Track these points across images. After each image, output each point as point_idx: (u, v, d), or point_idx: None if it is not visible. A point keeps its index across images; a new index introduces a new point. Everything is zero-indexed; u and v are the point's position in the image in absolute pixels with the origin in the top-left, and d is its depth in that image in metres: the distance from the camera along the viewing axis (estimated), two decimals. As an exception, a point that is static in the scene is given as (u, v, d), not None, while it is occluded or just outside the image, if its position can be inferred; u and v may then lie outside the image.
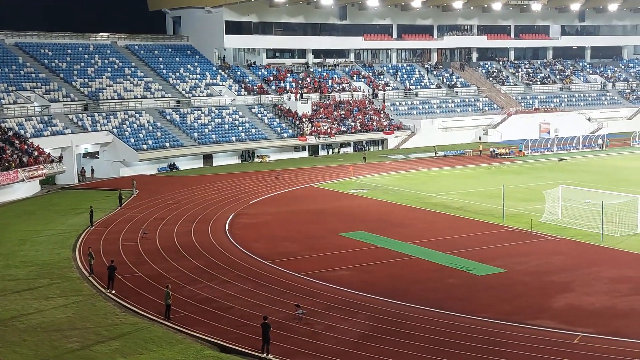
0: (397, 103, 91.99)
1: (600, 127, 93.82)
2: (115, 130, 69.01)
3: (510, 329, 25.41)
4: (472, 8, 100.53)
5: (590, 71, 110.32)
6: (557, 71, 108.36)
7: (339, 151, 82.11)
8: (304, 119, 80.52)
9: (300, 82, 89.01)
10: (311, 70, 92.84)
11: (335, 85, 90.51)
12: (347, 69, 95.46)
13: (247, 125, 77.67)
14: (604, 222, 38.49)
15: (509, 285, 30.57)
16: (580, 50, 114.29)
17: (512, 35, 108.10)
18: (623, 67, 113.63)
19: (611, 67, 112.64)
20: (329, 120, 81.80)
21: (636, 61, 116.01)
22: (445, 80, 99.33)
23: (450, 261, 34.43)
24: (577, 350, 23.35)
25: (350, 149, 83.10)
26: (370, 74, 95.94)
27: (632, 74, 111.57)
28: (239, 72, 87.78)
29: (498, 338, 24.54)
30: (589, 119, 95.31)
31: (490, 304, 28.11)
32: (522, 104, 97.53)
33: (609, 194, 43.94)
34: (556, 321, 25.90)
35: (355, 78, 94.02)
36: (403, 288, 30.53)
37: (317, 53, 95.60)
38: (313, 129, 79.28)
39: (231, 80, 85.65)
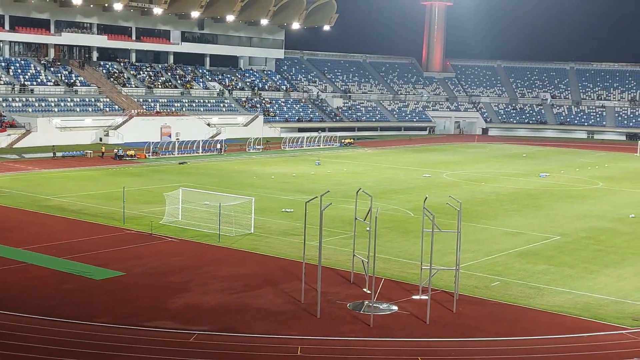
0: (10, 99, 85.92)
1: (219, 132, 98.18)
2: None
3: (128, 332, 24.97)
4: (92, 6, 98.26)
5: (210, 78, 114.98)
6: (178, 76, 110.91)
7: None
8: None
9: None
10: None
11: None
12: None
13: None
14: (221, 223, 40.08)
15: (128, 288, 30.14)
16: (200, 57, 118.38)
17: (134, 37, 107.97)
18: (240, 76, 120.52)
19: (229, 76, 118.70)
20: None
21: (251, 71, 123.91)
22: (63, 78, 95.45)
23: (67, 266, 32.86)
24: (193, 348, 23.77)
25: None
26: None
27: (248, 84, 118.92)
28: None
29: (115, 342, 23.93)
30: (209, 124, 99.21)
31: (109, 308, 27.38)
32: (144, 107, 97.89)
33: (226, 196, 45.97)
34: (174, 321, 26.13)
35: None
36: (13, 297, 28.27)
37: None
38: None
39: None
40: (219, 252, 36.82)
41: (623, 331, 26.50)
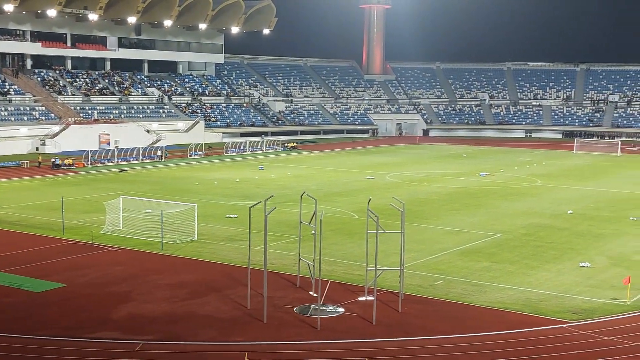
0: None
1: (159, 138, 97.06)
2: None
3: (71, 344, 24.45)
4: (24, 13, 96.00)
5: (149, 84, 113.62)
6: (115, 82, 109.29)
7: None
8: None
9: None
10: None
11: None
12: None
13: None
14: (164, 231, 39.60)
15: (70, 300, 29.51)
16: (138, 63, 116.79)
17: (69, 43, 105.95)
18: (179, 81, 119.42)
19: (168, 82, 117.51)
20: None
21: (191, 77, 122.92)
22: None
23: (6, 280, 32.00)
24: (138, 358, 23.41)
25: None
26: None
27: (188, 89, 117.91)
28: None
29: (59, 355, 23.42)
30: (148, 131, 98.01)
31: (50, 321, 26.76)
32: (81, 115, 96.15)
33: (168, 203, 45.47)
34: (118, 332, 25.69)
35: None
36: (-51, 314, 27.42)
37: None
38: None
39: None
40: (162, 261, 36.36)
41: (564, 325, 27.09)
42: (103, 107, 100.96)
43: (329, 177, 70.22)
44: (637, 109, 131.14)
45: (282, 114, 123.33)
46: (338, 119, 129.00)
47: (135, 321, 26.96)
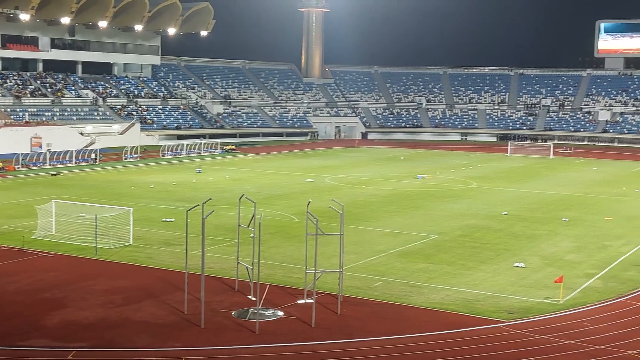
0: None
1: (93, 141, 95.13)
2: None
3: (2, 352, 23.66)
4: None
5: (82, 86, 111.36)
6: (48, 84, 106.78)
7: None
8: None
9: None
10: None
11: None
12: None
13: None
14: (98, 236, 38.77)
15: (0, 307, 28.57)
16: (71, 65, 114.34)
17: (0, 45, 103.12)
18: (114, 83, 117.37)
19: (102, 83, 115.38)
20: None
21: (126, 78, 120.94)
22: None
23: None
24: (72, 366, 22.81)
25: None
26: None
27: (123, 91, 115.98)
28: None
29: (-14, 366, 22.65)
30: (82, 134, 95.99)
31: (-22, 330, 25.87)
32: (12, 117, 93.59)
33: (103, 207, 44.56)
34: (50, 339, 24.99)
35: None
36: None
37: None
38: None
39: None
40: (96, 266, 35.56)
41: (499, 324, 27.50)
42: (35, 109, 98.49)
43: (268, 180, 69.96)
44: (569, 112, 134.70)
45: (220, 117, 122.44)
46: (277, 122, 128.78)
47: (69, 328, 26.26)
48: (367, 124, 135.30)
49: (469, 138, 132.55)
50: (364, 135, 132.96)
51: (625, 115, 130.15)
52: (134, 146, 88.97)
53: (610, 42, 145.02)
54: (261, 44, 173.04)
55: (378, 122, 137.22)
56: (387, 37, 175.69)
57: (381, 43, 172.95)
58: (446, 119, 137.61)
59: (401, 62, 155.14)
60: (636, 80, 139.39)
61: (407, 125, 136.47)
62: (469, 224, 47.92)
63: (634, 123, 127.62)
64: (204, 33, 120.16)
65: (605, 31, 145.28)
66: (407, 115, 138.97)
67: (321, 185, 66.42)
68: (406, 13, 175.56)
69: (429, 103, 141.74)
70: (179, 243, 39.05)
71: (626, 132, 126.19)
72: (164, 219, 47.24)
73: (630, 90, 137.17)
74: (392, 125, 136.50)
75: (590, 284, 33.59)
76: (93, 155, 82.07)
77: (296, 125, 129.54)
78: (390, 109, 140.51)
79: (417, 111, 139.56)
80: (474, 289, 32.30)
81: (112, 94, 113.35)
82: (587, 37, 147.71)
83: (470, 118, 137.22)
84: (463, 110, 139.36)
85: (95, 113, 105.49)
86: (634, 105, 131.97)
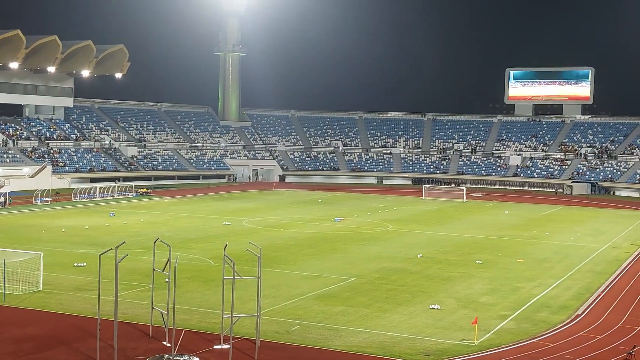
0: None
1: (2, 184, 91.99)
2: None
3: None
4: None
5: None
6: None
7: None
8: None
9: None
10: None
11: None
12: None
13: None
14: (6, 281, 37.33)
15: None
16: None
17: None
18: (25, 125, 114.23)
19: (13, 125, 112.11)
20: None
21: (37, 120, 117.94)
22: None
23: None
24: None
25: None
26: None
27: (34, 133, 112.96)
28: None
29: None
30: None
31: None
32: None
33: (11, 251, 42.97)
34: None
35: None
36: None
37: None
38: None
39: None
40: (4, 313, 34.16)
41: (417, 366, 27.72)
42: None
43: (184, 223, 69.05)
44: (481, 157, 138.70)
45: (134, 159, 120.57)
46: (193, 164, 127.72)
47: (-28, 380, 25.05)
48: (285, 167, 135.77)
49: (385, 181, 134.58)
50: (282, 178, 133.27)
51: (535, 160, 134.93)
52: (45, 189, 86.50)
53: (520, 89, 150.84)
54: (178, 86, 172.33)
55: (295, 165, 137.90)
56: (304, 82, 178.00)
57: (298, 87, 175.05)
58: (362, 163, 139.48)
59: (317, 107, 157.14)
60: (545, 126, 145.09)
61: (324, 169, 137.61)
62: (385, 267, 48.40)
63: (544, 167, 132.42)
64: (118, 75, 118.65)
65: (514, 78, 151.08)
66: (324, 159, 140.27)
67: (238, 229, 65.99)
68: (321, 58, 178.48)
69: (345, 147, 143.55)
70: (92, 288, 37.95)
71: (536, 176, 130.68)
72: (75, 264, 45.90)
73: (539, 135, 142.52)
74: (310, 169, 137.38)
75: (504, 325, 34.34)
76: (2, 199, 79.35)
77: (213, 168, 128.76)
78: (308, 152, 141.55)
79: (333, 155, 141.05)
80: (391, 332, 32.52)
81: (23, 136, 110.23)
82: (498, 84, 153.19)
83: (385, 162, 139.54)
84: (378, 154, 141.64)
85: (5, 155, 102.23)
86: (543, 150, 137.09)
